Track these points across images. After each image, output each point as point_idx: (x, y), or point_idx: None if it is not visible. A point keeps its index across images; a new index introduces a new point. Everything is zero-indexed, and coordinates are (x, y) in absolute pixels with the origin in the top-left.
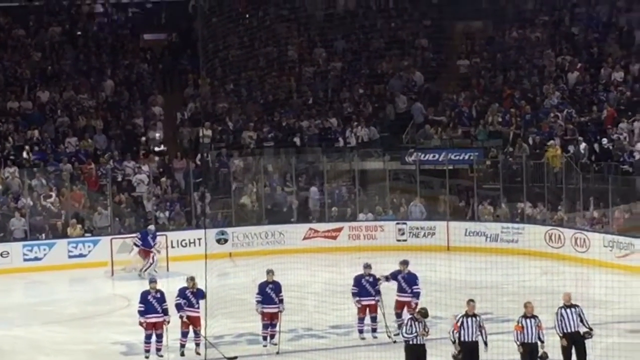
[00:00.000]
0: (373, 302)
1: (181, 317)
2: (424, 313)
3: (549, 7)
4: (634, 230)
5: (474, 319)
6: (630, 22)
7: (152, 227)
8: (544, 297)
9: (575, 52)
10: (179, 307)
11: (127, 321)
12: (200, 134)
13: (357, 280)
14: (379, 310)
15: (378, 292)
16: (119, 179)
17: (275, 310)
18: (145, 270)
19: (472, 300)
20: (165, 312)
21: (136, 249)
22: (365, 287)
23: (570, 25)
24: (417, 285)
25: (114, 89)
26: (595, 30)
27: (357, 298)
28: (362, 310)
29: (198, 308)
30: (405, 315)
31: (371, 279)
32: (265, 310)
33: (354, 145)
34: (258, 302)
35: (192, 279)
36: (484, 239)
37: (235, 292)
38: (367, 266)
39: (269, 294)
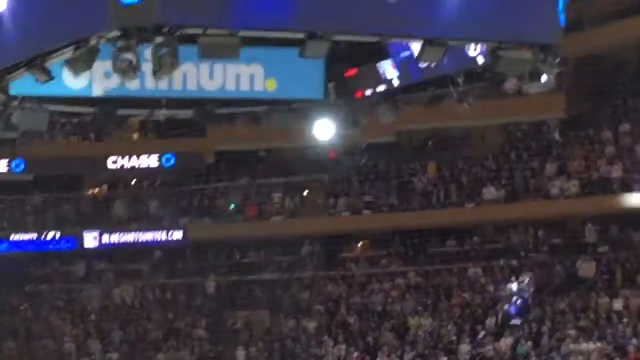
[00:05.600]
0: None
1: None
2: None
3: (325, 296)
4: None
5: None
6: (404, 311)
7: None
8: None
9: (351, 341)
10: None
11: None
12: None
13: None
14: None
15: None
16: None
17: None
18: None
19: None
20: None
21: None
22: None
23: (346, 314)
24: None
25: None
26: (370, 319)
27: None
28: None
29: None
30: None
31: None
32: None
33: None
34: None
35: None
36: None
37: None
38: None
39: None
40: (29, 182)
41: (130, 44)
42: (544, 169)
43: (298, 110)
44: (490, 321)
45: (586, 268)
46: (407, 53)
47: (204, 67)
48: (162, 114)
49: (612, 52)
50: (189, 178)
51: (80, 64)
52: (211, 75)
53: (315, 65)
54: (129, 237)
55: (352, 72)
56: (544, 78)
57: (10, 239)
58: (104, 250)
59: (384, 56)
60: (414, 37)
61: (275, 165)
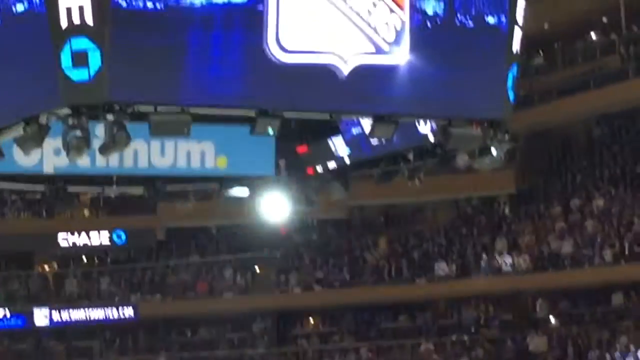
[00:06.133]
0: None
1: None
2: None
3: None
4: None
5: None
6: None
7: None
8: None
9: None
10: None
11: None
12: None
13: None
14: None
15: None
16: None
17: None
18: None
19: None
20: None
21: None
22: None
23: None
24: None
25: None
26: None
27: None
28: None
29: None
30: None
31: None
32: None
33: None
34: None
35: None
36: None
37: None
38: None
39: None
40: None
41: (81, 121)
42: (495, 244)
43: (249, 187)
44: None
45: (537, 343)
46: (357, 130)
47: (155, 144)
48: (112, 190)
49: (561, 128)
50: (140, 255)
51: (30, 142)
52: (162, 153)
53: (266, 142)
54: (80, 314)
55: (303, 148)
56: (494, 154)
57: None
58: (54, 328)
59: (334, 133)
60: (365, 114)
61: (226, 242)
